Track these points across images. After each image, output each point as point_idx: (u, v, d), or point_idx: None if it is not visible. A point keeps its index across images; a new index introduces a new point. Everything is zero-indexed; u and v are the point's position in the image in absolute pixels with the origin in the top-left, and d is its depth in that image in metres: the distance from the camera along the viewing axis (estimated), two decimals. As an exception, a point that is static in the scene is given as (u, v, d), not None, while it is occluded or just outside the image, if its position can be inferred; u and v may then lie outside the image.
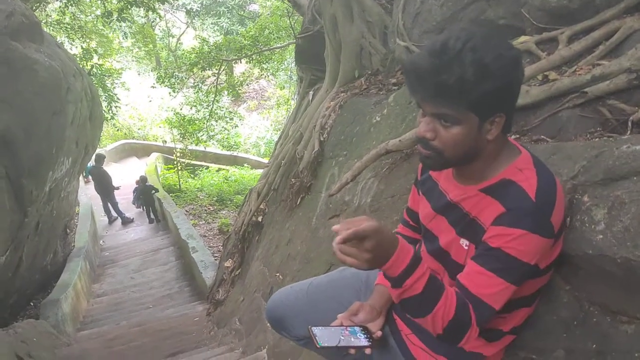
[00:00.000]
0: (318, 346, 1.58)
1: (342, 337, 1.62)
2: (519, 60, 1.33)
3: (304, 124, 5.32)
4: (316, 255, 3.84)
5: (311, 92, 6.17)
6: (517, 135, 2.56)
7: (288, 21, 14.32)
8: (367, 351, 1.61)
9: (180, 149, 18.61)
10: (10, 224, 7.22)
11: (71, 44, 15.39)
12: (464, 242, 1.46)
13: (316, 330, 1.62)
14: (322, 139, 4.63)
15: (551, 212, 1.31)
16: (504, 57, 1.27)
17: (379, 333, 1.68)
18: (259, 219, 6.03)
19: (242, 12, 27.14)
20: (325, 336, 1.61)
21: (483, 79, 1.24)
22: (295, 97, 11.79)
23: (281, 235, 4.92)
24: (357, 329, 1.65)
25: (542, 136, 2.42)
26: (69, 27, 14.58)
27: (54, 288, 8.64)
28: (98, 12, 16.19)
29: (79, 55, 14.21)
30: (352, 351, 1.61)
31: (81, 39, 15.15)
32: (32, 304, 9.19)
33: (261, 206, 6.10)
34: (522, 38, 2.85)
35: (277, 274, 4.45)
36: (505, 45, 1.31)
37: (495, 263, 1.33)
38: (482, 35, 1.27)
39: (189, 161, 19.72)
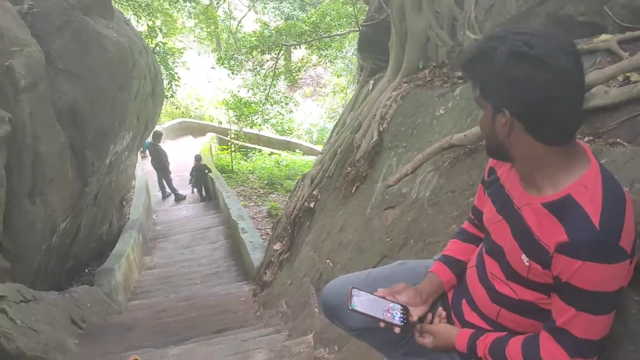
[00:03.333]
0: (350, 308, 1.63)
1: (377, 308, 1.64)
2: (566, 73, 1.24)
3: (363, 113, 5.28)
4: (369, 245, 3.82)
5: (372, 82, 6.10)
6: (592, 137, 2.46)
7: (351, 9, 14.24)
8: (396, 330, 1.64)
9: (235, 130, 18.82)
10: (71, 193, 7.51)
11: (138, 21, 15.77)
12: (525, 258, 1.41)
13: (355, 292, 1.66)
14: (381, 129, 4.58)
15: (619, 237, 1.23)
16: (547, 63, 1.22)
17: (415, 318, 1.68)
18: (311, 205, 6.04)
19: (304, -2, 27.18)
20: (361, 301, 1.65)
21: (506, 69, 1.27)
22: (354, 85, 11.73)
23: (333, 222, 4.91)
24: (397, 306, 1.66)
25: (619, 140, 2.32)
26: (137, 4, 14.94)
27: (109, 257, 8.94)
28: (164, -9, 16.57)
29: (144, 33, 14.55)
30: (382, 324, 1.63)
31: (147, 17, 15.49)
32: (87, 271, 9.56)
33: (314, 192, 6.11)
34: (603, 36, 2.73)
35: (327, 261, 4.46)
36: (556, 54, 1.24)
37: (581, 301, 1.29)
38: (541, 34, 1.27)
39: (242, 143, 19.92)
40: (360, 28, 7.01)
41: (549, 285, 1.37)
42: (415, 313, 1.69)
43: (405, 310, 1.66)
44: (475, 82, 1.38)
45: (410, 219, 3.36)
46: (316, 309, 4.11)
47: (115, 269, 8.17)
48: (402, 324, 1.63)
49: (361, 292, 1.67)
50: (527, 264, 1.39)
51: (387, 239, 3.54)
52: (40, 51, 6.74)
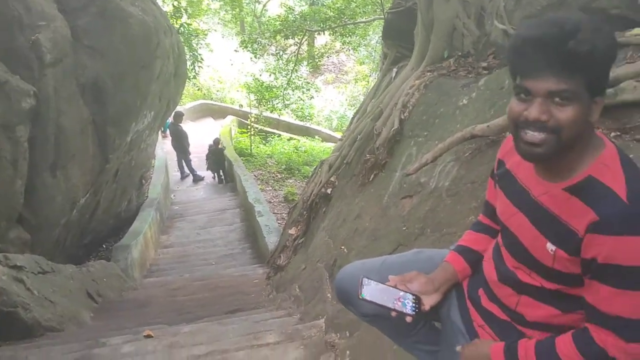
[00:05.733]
0: (360, 297, 1.62)
1: (387, 297, 1.62)
2: None
3: (384, 101, 5.24)
4: (384, 233, 3.81)
5: (395, 69, 6.05)
6: (618, 133, 2.41)
7: (376, -4, 14.11)
8: (408, 319, 1.62)
9: (255, 114, 18.83)
10: (92, 168, 7.60)
11: (163, 1, 15.80)
12: (551, 247, 1.38)
13: (366, 282, 1.65)
14: (402, 117, 4.55)
15: None
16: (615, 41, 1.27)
17: (427, 307, 1.65)
18: (328, 191, 6.03)
19: (330, -17, 26.98)
20: (372, 290, 1.63)
21: (607, 54, 1.24)
22: (377, 73, 11.63)
23: (349, 209, 4.90)
24: (409, 295, 1.63)
25: (647, 136, 2.28)
26: (163, -17, 14.98)
27: (126, 234, 9.06)
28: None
29: (169, 13, 14.56)
30: (393, 314, 1.61)
31: (173, -3, 15.53)
32: (104, 246, 9.70)
33: (332, 179, 6.10)
34: (636, 30, 2.66)
35: (342, 247, 4.45)
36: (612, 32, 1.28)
37: (624, 280, 1.24)
38: (592, 19, 1.25)
39: (262, 127, 19.92)
40: (386, 15, 6.94)
41: (574, 275, 1.34)
42: (427, 302, 1.67)
43: (417, 299, 1.64)
44: (571, 73, 1.24)
45: (427, 208, 3.33)
46: (329, 294, 4.11)
47: (132, 246, 8.27)
48: (413, 313, 1.61)
49: (372, 281, 1.66)
50: (552, 252, 1.36)
51: (404, 228, 3.52)
52: (67, 26, 6.80)
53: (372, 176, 4.66)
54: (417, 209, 3.48)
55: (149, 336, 4.14)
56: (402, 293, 1.64)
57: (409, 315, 1.61)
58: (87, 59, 7.10)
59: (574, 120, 1.26)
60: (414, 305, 1.62)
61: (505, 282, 1.56)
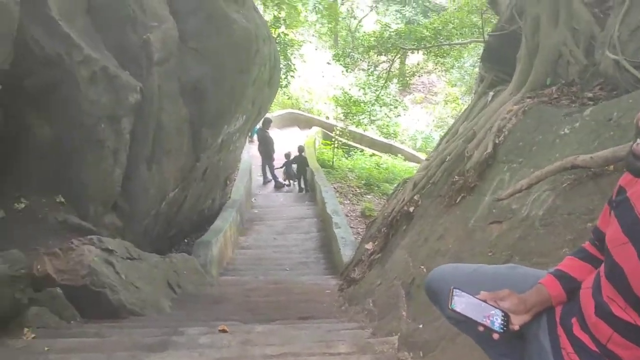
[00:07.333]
0: (449, 307, 1.63)
1: (477, 312, 1.61)
2: None
3: (479, 124, 5.15)
4: (468, 257, 3.73)
5: (491, 93, 5.94)
6: None
7: (475, 19, 13.93)
8: (495, 336, 1.60)
9: (340, 127, 19.03)
10: (184, 165, 7.95)
11: (264, 10, 16.37)
12: None
13: (457, 293, 1.65)
14: (497, 141, 4.44)
15: None
16: None
17: (516, 327, 1.62)
18: (411, 209, 5.97)
19: (428, 3, 26.91)
20: (462, 303, 1.63)
21: None
22: (468, 97, 11.46)
23: (432, 229, 4.84)
24: (499, 312, 1.61)
25: None
26: (267, -6, 15.54)
27: (208, 231, 9.36)
28: (293, -16, 17.04)
29: (269, 22, 15.06)
30: (481, 328, 1.60)
31: (274, 7, 16.03)
32: (185, 241, 10.07)
33: (415, 197, 6.05)
34: None
35: (422, 267, 4.40)
36: None
37: None
38: None
39: (345, 141, 20.07)
40: (487, 38, 6.84)
41: None
42: (517, 321, 1.64)
43: (506, 317, 1.62)
44: None
45: (517, 236, 3.24)
46: (404, 312, 4.07)
47: (213, 243, 8.54)
48: (501, 330, 1.60)
49: (463, 293, 1.66)
50: None
51: (489, 253, 3.43)
52: (175, 28, 7.17)
53: (459, 198, 4.58)
54: (506, 236, 3.39)
55: (223, 331, 4.26)
56: (492, 310, 1.62)
57: (496, 332, 1.60)
58: (191, 61, 7.46)
59: None
60: (502, 322, 1.61)
61: (599, 315, 1.51)
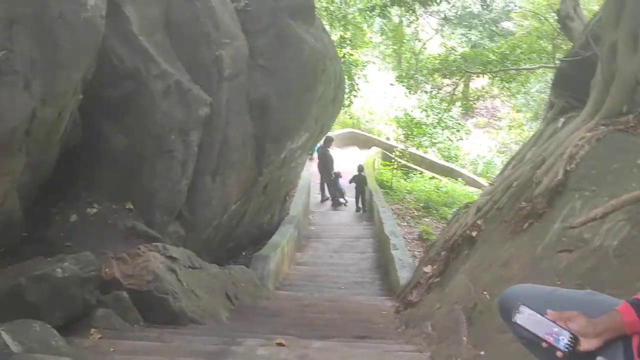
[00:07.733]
0: (513, 320, 1.63)
1: (540, 328, 1.59)
2: None
3: (548, 150, 5.03)
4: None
5: (562, 119, 5.80)
6: None
7: (544, 44, 13.64)
8: (558, 354, 1.56)
9: (400, 149, 18.95)
10: (246, 179, 8.11)
11: (331, 31, 16.62)
12: None
13: (523, 309, 1.64)
14: (568, 168, 4.32)
15: None
16: None
17: (582, 349, 1.58)
18: (473, 233, 5.87)
19: (495, 28, 26.56)
20: (526, 317, 1.62)
21: None
22: (533, 122, 11.20)
23: (496, 255, 4.73)
24: (566, 332, 1.58)
25: None
26: (334, 15, 15.75)
27: (265, 245, 9.46)
28: (359, 6, 17.21)
29: (335, 42, 15.27)
30: (545, 344, 1.58)
31: (341, 28, 16.26)
32: (243, 253, 10.21)
33: (478, 222, 5.94)
34: None
35: (485, 293, 4.29)
36: None
37: None
38: None
39: (405, 162, 19.96)
40: (558, 64, 6.69)
41: None
42: (584, 344, 1.59)
43: (575, 339, 1.58)
44: None
45: (589, 265, 3.14)
46: (464, 338, 3.98)
47: (271, 257, 8.64)
48: (566, 350, 1.56)
49: (529, 309, 1.65)
50: None
51: (558, 282, 3.32)
52: (246, 46, 7.38)
53: (526, 224, 4.46)
54: (577, 265, 3.29)
55: (280, 344, 4.28)
56: (557, 329, 1.60)
57: (561, 351, 1.56)
58: (259, 78, 7.66)
59: None
60: (569, 343, 1.57)
61: None
